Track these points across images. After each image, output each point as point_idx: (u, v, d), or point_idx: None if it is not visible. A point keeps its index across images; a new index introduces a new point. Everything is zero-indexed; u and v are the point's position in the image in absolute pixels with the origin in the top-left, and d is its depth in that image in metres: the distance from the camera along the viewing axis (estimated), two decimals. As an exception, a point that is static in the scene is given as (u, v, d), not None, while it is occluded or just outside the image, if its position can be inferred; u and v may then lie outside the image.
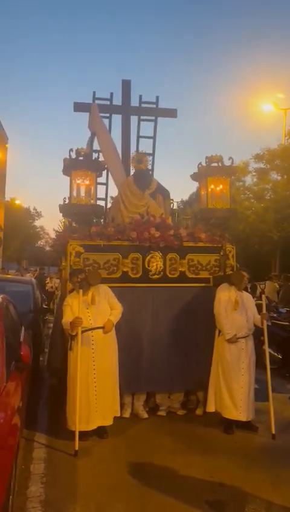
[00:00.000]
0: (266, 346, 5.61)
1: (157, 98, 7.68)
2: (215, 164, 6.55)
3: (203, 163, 6.57)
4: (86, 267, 5.76)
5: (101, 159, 6.74)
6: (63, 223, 6.96)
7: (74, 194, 6.25)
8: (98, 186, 6.59)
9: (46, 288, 17.02)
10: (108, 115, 7.59)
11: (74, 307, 5.14)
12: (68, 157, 6.19)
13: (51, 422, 5.65)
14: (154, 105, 7.72)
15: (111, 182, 7.36)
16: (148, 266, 5.98)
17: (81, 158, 6.25)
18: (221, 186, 6.59)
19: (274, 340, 8.42)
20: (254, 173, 23.93)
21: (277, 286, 14.72)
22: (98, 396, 5.15)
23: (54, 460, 4.62)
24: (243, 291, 5.84)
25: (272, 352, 8.39)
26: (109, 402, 5.26)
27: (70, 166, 6.22)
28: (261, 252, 23.41)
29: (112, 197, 8.95)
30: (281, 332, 8.78)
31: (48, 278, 18.81)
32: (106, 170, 7.04)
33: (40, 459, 4.63)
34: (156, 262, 5.99)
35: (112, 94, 7.55)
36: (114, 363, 5.36)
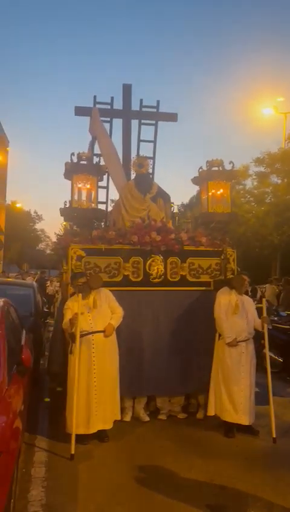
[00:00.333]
0: (266, 350, 5.61)
1: (158, 102, 7.71)
2: (216, 168, 6.57)
3: (204, 168, 6.60)
4: (87, 270, 5.77)
5: (102, 163, 6.77)
6: (64, 227, 6.98)
7: (75, 197, 6.28)
8: (99, 189, 6.62)
9: (47, 291, 17.04)
10: (109, 119, 7.60)
11: (75, 311, 5.15)
12: (69, 161, 6.22)
13: (51, 426, 5.65)
14: (154, 110, 7.73)
15: (112, 186, 7.38)
16: (149, 270, 6.00)
17: (82, 162, 6.28)
18: (221, 190, 6.61)
19: (275, 344, 8.42)
20: (255, 177, 23.96)
21: (277, 289, 14.75)
22: (98, 400, 5.15)
23: (55, 464, 4.63)
24: (244, 295, 5.85)
25: (273, 355, 8.39)
26: (109, 406, 5.26)
27: (72, 170, 6.24)
28: (262, 256, 23.41)
29: (112, 201, 8.99)
30: (282, 336, 8.78)
31: (49, 281, 18.83)
32: (106, 174, 7.06)
33: (41, 463, 4.64)
34: (157, 266, 6.00)
35: (112, 98, 7.57)
36: (114, 366, 5.37)
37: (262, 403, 5.80)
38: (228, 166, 6.60)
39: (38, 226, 58.82)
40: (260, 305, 5.95)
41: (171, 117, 7.88)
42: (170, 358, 5.91)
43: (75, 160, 6.25)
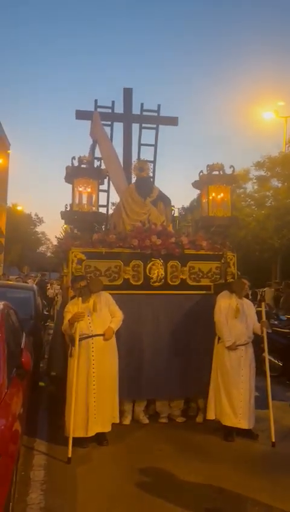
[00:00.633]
0: (266, 354, 5.62)
1: (158, 106, 7.73)
2: (217, 172, 6.60)
3: (205, 172, 6.62)
4: (87, 274, 5.79)
5: (103, 166, 6.79)
6: (64, 230, 7.00)
7: (76, 201, 6.30)
8: (100, 193, 6.64)
9: (47, 294, 17.04)
10: (110, 122, 7.63)
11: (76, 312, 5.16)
12: (70, 165, 6.24)
13: (51, 429, 5.65)
14: (155, 114, 7.76)
15: (112, 189, 7.40)
16: (150, 273, 6.01)
17: (83, 166, 6.31)
18: (222, 195, 6.63)
19: (275, 348, 8.42)
20: (255, 180, 23.97)
21: (274, 293, 14.90)
22: (97, 403, 5.16)
23: (54, 467, 4.63)
24: (244, 299, 5.86)
25: (273, 359, 8.39)
26: (108, 409, 5.27)
27: (73, 174, 6.27)
28: (262, 259, 23.40)
29: (113, 204, 9.01)
30: (281, 340, 8.78)
31: (49, 284, 18.83)
32: (107, 177, 7.08)
33: (40, 466, 4.64)
34: (157, 270, 6.02)
35: (113, 102, 7.60)
36: (114, 370, 5.37)
37: (261, 407, 5.80)
38: (228, 171, 6.63)
39: (39, 228, 58.91)
40: (259, 308, 5.96)
41: (172, 121, 7.91)
42: (169, 361, 5.92)
43: (76, 164, 6.27)
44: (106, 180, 7.04)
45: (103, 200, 7.19)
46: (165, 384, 5.86)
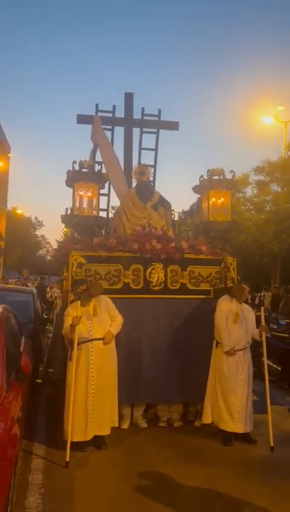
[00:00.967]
0: (265, 358, 5.62)
1: (159, 110, 7.76)
2: (217, 177, 6.62)
3: (205, 176, 6.64)
4: (87, 277, 5.80)
5: (104, 170, 6.81)
6: (65, 234, 7.01)
7: (77, 205, 6.32)
8: (100, 196, 6.67)
9: (47, 297, 17.06)
10: (110, 127, 7.66)
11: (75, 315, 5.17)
12: (71, 169, 6.26)
13: (49, 433, 5.65)
14: (156, 118, 7.79)
15: (113, 193, 7.42)
16: (150, 278, 6.02)
17: (84, 170, 6.33)
18: (222, 199, 6.65)
19: (273, 352, 8.42)
20: (254, 185, 24.01)
21: (272, 297, 15.01)
22: (96, 407, 5.16)
23: (52, 471, 4.63)
24: (244, 303, 5.87)
25: (272, 364, 8.40)
26: (107, 412, 5.26)
27: (73, 178, 6.29)
28: (262, 263, 23.41)
29: (113, 207, 9.02)
30: (280, 344, 8.78)
31: (48, 288, 18.84)
32: (108, 181, 7.10)
33: (38, 470, 4.64)
34: (157, 274, 6.03)
35: (114, 106, 7.63)
36: (113, 374, 5.37)
37: (260, 412, 5.81)
38: (228, 175, 6.65)
39: (38, 232, 58.96)
40: (258, 313, 5.97)
41: (173, 125, 7.94)
42: (168, 366, 5.92)
43: (76, 168, 6.29)
44: (106, 184, 7.06)
45: (103, 204, 7.22)
46: (164, 388, 5.86)
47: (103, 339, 5.24)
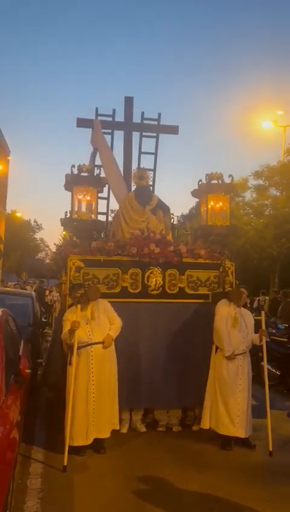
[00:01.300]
0: (264, 363, 5.62)
1: (159, 114, 7.77)
2: (215, 181, 6.63)
3: (204, 180, 6.66)
4: (85, 281, 5.80)
5: (103, 174, 6.83)
6: (63, 237, 7.03)
7: (75, 208, 6.32)
8: (100, 200, 6.67)
9: (46, 300, 17.05)
10: (110, 130, 7.67)
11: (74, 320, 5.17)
12: (70, 173, 6.27)
13: (48, 437, 5.64)
14: (156, 122, 7.80)
15: (112, 197, 7.44)
16: (148, 282, 6.03)
17: (83, 174, 6.34)
18: (221, 203, 6.66)
19: (273, 357, 8.42)
20: (253, 189, 24.06)
21: (270, 301, 15.08)
22: (96, 411, 5.15)
23: (51, 475, 4.62)
24: (242, 308, 5.87)
25: (271, 368, 8.38)
26: (107, 415, 5.26)
27: (72, 182, 6.30)
28: (261, 267, 23.46)
29: (112, 211, 9.04)
30: (279, 349, 8.78)
31: (48, 291, 18.84)
32: (107, 185, 7.11)
33: (37, 474, 4.63)
34: (155, 278, 6.03)
35: (114, 110, 7.64)
36: (113, 377, 5.37)
37: (259, 416, 5.81)
38: (227, 180, 6.66)
39: (37, 235, 59.08)
40: (258, 317, 5.96)
41: (172, 129, 7.95)
42: (167, 370, 5.91)
43: (75, 172, 6.30)
44: (105, 188, 7.07)
45: (103, 207, 7.23)
46: (163, 393, 5.85)
47: (102, 342, 5.25)
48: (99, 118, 7.53)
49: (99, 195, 6.66)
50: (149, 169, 7.47)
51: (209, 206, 6.63)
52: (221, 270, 6.27)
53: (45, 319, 11.68)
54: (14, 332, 5.32)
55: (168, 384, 5.88)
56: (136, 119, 7.72)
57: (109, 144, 7.59)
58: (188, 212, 34.94)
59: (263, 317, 5.84)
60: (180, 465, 4.96)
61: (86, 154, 7.54)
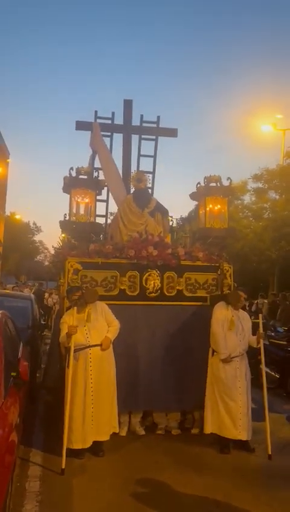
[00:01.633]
0: (263, 366, 5.62)
1: (158, 117, 7.79)
2: (214, 184, 6.64)
3: (202, 183, 6.67)
4: (83, 284, 5.80)
5: (102, 176, 6.84)
6: (62, 239, 7.04)
7: (74, 211, 6.34)
8: (98, 203, 6.69)
9: (45, 303, 17.03)
10: (109, 133, 7.69)
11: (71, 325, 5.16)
12: (68, 175, 6.28)
13: (47, 439, 5.63)
14: (155, 125, 7.82)
15: (111, 199, 7.45)
16: (146, 284, 6.02)
17: (81, 177, 6.35)
18: (219, 206, 6.67)
19: (272, 360, 8.42)
20: (253, 192, 24.10)
21: (269, 304, 15.11)
22: (95, 414, 5.14)
23: (49, 478, 4.61)
24: (240, 310, 5.86)
25: (270, 371, 8.38)
26: (106, 418, 5.25)
27: (70, 185, 6.31)
28: (260, 270, 23.48)
29: (111, 213, 9.04)
30: (278, 352, 8.78)
31: (47, 293, 18.81)
32: (106, 188, 7.13)
33: (35, 477, 4.62)
34: (153, 281, 6.03)
35: (113, 113, 7.66)
36: (112, 380, 5.36)
37: (258, 419, 5.79)
38: (225, 182, 6.67)
39: (36, 237, 58.93)
40: (256, 320, 5.97)
41: (171, 132, 7.97)
42: (166, 373, 5.91)
43: (73, 174, 6.32)
44: (104, 191, 7.08)
45: (102, 210, 7.24)
46: (161, 396, 5.84)
47: (100, 345, 5.24)
48: (99, 120, 7.55)
49: (98, 197, 6.68)
50: (148, 172, 7.49)
51: (207, 209, 6.64)
52: (219, 273, 6.27)
53: (44, 321, 11.67)
54: (13, 334, 5.32)
55: (167, 386, 5.87)
56: (135, 122, 7.75)
57: (108, 147, 7.61)
58: (187, 214, 34.95)
59: (260, 320, 5.84)
60: (180, 468, 4.95)
61: (85, 156, 7.57)
